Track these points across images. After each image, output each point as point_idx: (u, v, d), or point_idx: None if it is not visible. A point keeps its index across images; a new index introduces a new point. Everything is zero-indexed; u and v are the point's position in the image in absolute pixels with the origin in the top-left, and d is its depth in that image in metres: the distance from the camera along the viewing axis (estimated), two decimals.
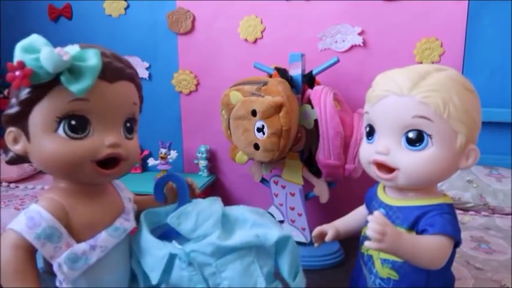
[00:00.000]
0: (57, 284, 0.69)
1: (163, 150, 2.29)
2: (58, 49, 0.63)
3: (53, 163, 0.69)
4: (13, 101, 0.67)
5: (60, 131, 0.67)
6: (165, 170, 2.26)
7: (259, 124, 1.68)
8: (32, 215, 0.67)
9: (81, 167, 0.69)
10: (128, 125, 0.76)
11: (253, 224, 0.85)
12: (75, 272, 0.69)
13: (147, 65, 2.39)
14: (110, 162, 0.71)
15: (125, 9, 2.35)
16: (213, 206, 0.86)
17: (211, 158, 2.43)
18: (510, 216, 1.68)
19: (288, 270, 0.86)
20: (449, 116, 0.72)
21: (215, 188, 2.47)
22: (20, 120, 0.68)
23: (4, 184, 2.11)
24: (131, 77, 0.75)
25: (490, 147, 1.81)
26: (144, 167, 2.48)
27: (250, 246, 0.81)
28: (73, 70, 0.63)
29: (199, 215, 0.83)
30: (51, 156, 0.68)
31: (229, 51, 2.27)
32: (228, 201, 2.43)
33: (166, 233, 0.88)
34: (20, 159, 0.73)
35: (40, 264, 0.72)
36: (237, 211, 0.89)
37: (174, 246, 0.81)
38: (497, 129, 1.88)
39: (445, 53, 2.00)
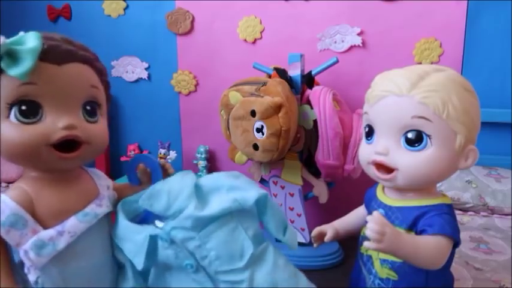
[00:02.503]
0: (25, 271, 0.70)
1: (162, 151, 2.29)
2: None
3: (8, 150, 0.69)
4: None
5: (12, 117, 0.67)
6: None
7: (258, 124, 1.68)
8: None
9: (37, 152, 0.68)
10: (88, 108, 0.75)
11: (229, 189, 0.82)
12: (43, 259, 0.69)
13: (146, 65, 2.39)
14: (69, 146, 0.71)
15: (124, 9, 2.35)
16: (184, 179, 0.83)
17: (211, 158, 2.43)
18: (509, 217, 1.68)
19: (275, 227, 0.85)
20: (449, 116, 0.72)
21: None
22: None
23: (3, 184, 2.11)
24: (86, 59, 0.74)
25: (489, 148, 1.81)
26: None
27: (230, 212, 0.79)
28: (12, 54, 0.63)
29: (171, 191, 0.79)
30: (6, 142, 0.68)
31: (229, 51, 2.27)
32: None
33: (145, 218, 0.86)
34: None
35: (18, 258, 0.72)
36: (210, 179, 0.86)
37: (153, 228, 0.79)
38: (496, 129, 1.88)
39: (444, 54, 2.00)
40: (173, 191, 0.80)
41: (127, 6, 2.34)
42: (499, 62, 1.92)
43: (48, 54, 0.66)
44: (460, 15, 1.94)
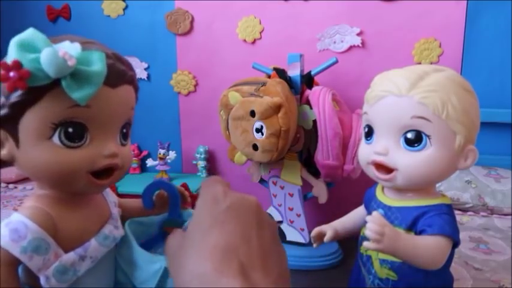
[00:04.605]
0: None
1: (162, 151, 2.29)
2: (62, 52, 0.55)
3: (45, 173, 0.62)
4: (2, 100, 0.59)
5: (55, 138, 0.60)
6: (164, 171, 2.26)
7: (257, 125, 1.68)
8: (16, 226, 0.60)
9: (75, 178, 0.63)
10: (125, 131, 0.70)
11: None
12: (63, 284, 0.64)
13: (145, 65, 2.39)
14: (105, 172, 0.66)
15: (124, 9, 2.35)
16: None
17: (210, 158, 2.43)
18: (509, 217, 1.68)
19: None
20: (448, 116, 0.72)
21: None
22: (9, 123, 0.60)
23: (3, 185, 2.11)
24: (132, 79, 0.70)
25: (489, 148, 1.81)
26: (143, 168, 2.47)
27: None
28: (75, 74, 0.56)
29: None
30: (44, 165, 0.61)
31: (228, 51, 2.27)
32: None
33: (147, 242, 0.83)
34: (2, 163, 0.64)
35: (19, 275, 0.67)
36: None
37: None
38: (496, 129, 1.88)
39: (443, 54, 2.00)
40: None
41: (126, 7, 2.34)
42: (498, 62, 1.93)
43: (105, 76, 0.60)
44: (460, 16, 1.95)
